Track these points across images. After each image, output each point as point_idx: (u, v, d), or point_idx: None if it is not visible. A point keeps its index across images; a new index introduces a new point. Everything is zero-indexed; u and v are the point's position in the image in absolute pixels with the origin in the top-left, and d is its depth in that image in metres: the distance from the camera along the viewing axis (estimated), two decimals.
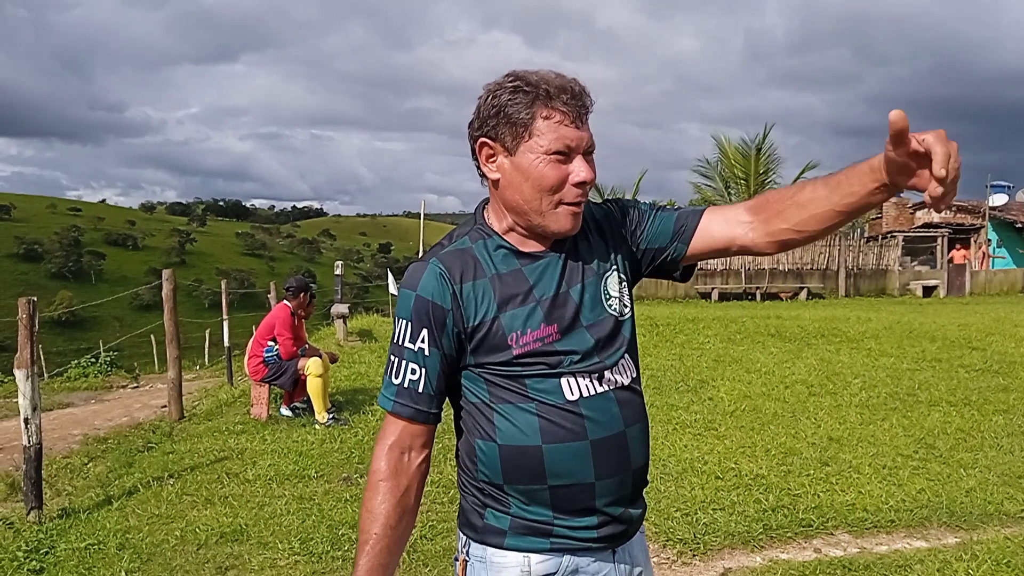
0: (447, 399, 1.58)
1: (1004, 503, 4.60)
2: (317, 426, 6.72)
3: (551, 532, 1.48)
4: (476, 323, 1.48)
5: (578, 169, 1.47)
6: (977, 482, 4.97)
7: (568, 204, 1.49)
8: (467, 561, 1.54)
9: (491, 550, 1.50)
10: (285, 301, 7.25)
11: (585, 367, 1.49)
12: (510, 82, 1.48)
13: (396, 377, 1.50)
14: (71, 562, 3.98)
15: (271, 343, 7.10)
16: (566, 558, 1.49)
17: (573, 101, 1.46)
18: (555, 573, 1.49)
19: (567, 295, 1.53)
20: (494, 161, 1.52)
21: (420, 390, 1.49)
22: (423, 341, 1.48)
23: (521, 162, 1.47)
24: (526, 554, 1.48)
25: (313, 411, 6.96)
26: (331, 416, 6.85)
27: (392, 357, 1.52)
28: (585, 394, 1.48)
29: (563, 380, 1.47)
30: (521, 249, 1.53)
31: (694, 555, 3.96)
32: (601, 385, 1.50)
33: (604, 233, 1.63)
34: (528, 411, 1.47)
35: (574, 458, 1.47)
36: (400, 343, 1.51)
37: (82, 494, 5.22)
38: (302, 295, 7.23)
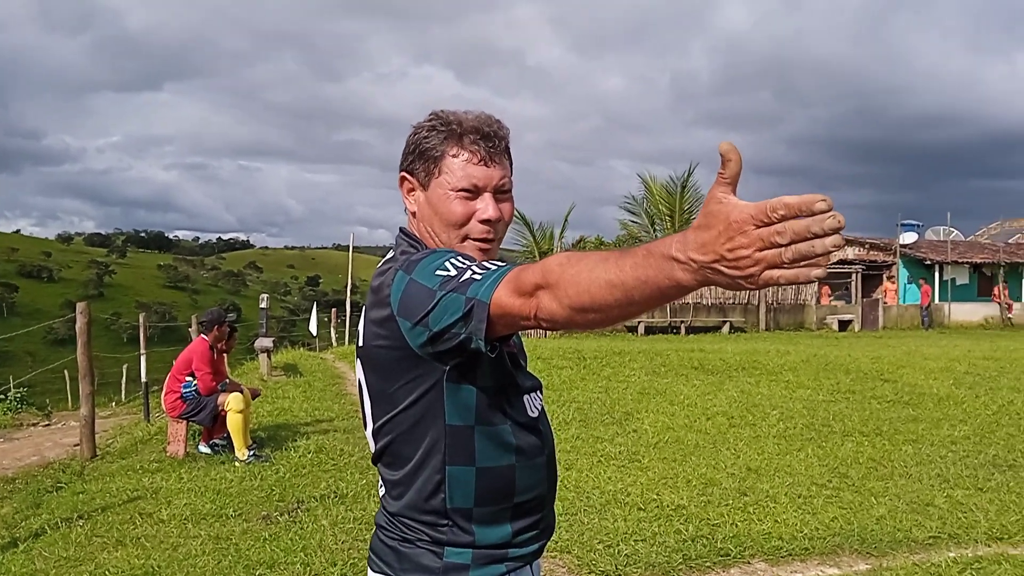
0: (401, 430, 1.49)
1: (912, 530, 4.76)
2: (237, 463, 6.56)
3: (506, 556, 1.50)
4: None
5: (484, 207, 1.52)
6: (887, 510, 5.14)
7: (474, 239, 1.53)
8: None
9: None
10: (203, 335, 7.09)
11: (530, 386, 1.58)
12: (428, 121, 1.56)
13: (490, 267, 1.28)
14: None
15: (189, 378, 6.93)
16: None
17: (482, 141, 1.51)
18: None
19: None
20: (413, 194, 1.58)
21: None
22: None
23: (431, 197, 1.54)
24: None
25: (233, 448, 6.79)
26: (252, 453, 6.70)
27: (464, 275, 1.27)
28: (537, 412, 1.58)
29: (525, 398, 1.54)
30: None
31: None
32: (538, 404, 1.61)
33: None
34: (505, 430, 1.49)
35: (537, 472, 1.54)
36: (465, 264, 1.31)
37: None
38: (220, 327, 7.08)
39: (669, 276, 1.00)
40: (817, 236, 0.89)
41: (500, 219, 1.53)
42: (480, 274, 1.26)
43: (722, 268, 0.95)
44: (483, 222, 1.52)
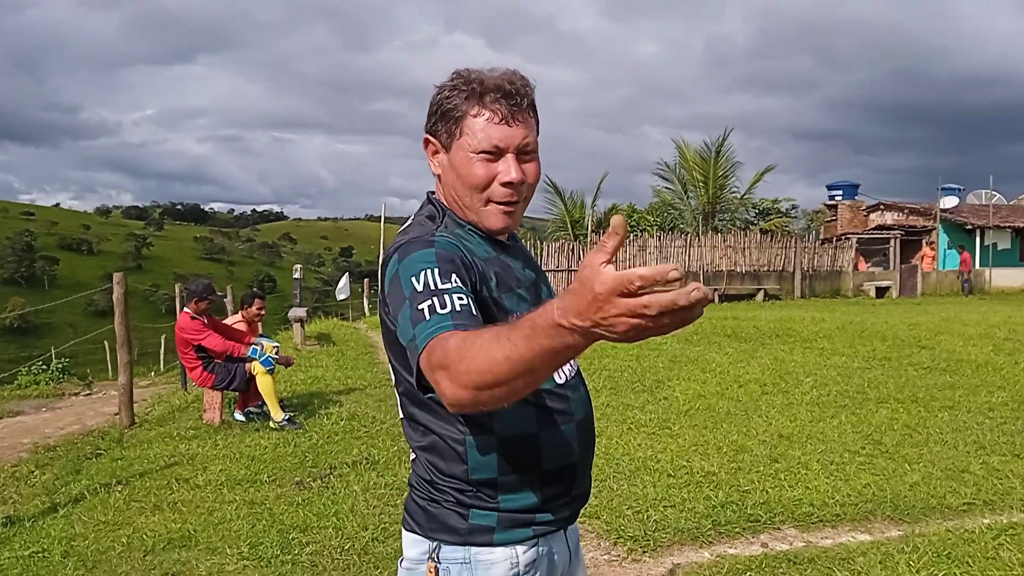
0: (418, 401, 1.49)
1: (947, 496, 4.70)
2: (272, 425, 6.67)
3: (534, 520, 1.50)
4: (486, 295, 1.44)
5: (505, 169, 1.47)
6: (921, 476, 5.07)
7: (497, 203, 1.50)
8: (438, 566, 1.48)
9: (476, 549, 1.47)
10: (185, 307, 7.10)
11: None
12: (451, 80, 1.51)
13: (444, 307, 1.27)
14: (14, 570, 3.91)
15: (199, 353, 6.93)
16: (541, 542, 1.52)
17: (503, 99, 1.46)
18: (536, 560, 1.51)
19: (539, 285, 1.60)
20: (437, 157, 1.55)
21: (474, 312, 1.29)
22: (457, 281, 1.33)
23: (454, 159, 1.50)
24: (514, 547, 1.48)
25: (266, 415, 6.88)
26: (287, 417, 6.77)
27: (424, 302, 1.28)
28: (567, 378, 1.55)
29: None
30: (494, 239, 1.55)
31: (644, 552, 4.00)
32: (571, 369, 1.58)
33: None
34: (525, 398, 1.45)
35: (564, 439, 1.51)
36: (433, 287, 1.30)
37: (27, 502, 5.11)
38: (198, 302, 6.99)
39: (561, 341, 1.02)
40: (684, 308, 0.91)
41: (523, 181, 1.49)
42: (431, 314, 1.26)
43: (601, 332, 0.97)
44: (505, 185, 1.48)
